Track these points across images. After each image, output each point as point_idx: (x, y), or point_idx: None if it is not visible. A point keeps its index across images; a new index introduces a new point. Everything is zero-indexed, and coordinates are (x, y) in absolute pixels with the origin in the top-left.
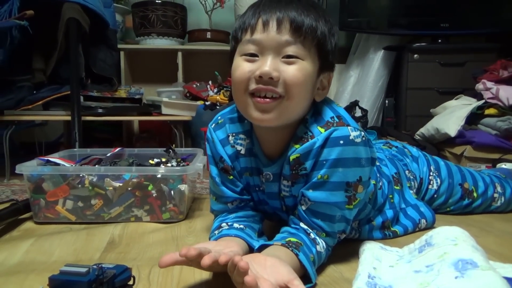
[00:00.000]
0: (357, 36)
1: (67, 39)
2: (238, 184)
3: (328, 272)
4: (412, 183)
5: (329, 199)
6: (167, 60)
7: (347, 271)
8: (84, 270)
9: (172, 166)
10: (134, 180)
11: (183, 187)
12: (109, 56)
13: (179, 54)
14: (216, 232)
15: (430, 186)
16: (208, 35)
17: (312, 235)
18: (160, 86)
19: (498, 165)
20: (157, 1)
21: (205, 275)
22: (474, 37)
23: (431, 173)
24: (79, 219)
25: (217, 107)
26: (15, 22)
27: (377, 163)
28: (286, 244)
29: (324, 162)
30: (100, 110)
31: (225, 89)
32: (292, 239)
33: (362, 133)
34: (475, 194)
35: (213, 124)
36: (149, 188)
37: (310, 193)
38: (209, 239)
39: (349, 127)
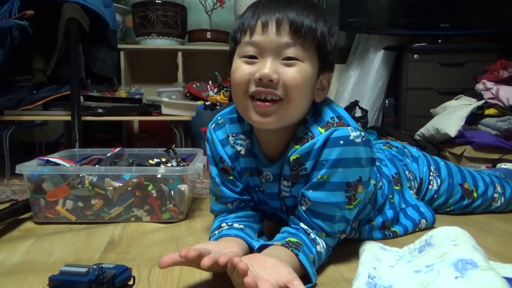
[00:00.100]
0: (357, 36)
1: (67, 39)
2: (238, 185)
3: (328, 272)
4: (412, 183)
5: (329, 199)
6: (167, 60)
7: (347, 271)
8: (84, 270)
9: (172, 166)
10: (134, 180)
11: (183, 187)
12: (109, 56)
13: (179, 54)
14: (216, 232)
15: (430, 186)
16: (208, 35)
17: (312, 235)
18: (160, 86)
19: (498, 165)
20: (157, 1)
21: (205, 275)
22: (474, 37)
23: (431, 173)
24: (79, 219)
25: (217, 107)
26: (15, 22)
27: (377, 163)
28: (286, 244)
29: (324, 162)
30: (100, 110)
31: (225, 89)
32: (292, 239)
33: (362, 133)
34: (475, 194)
35: (213, 124)
36: (149, 188)
37: (310, 193)
38: (209, 239)
39: (349, 127)
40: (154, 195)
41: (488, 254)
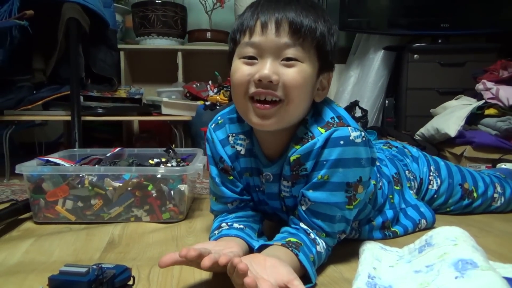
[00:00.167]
0: (357, 36)
1: (67, 39)
2: (238, 185)
3: (328, 272)
4: (412, 183)
5: (329, 199)
6: (167, 60)
7: (347, 271)
8: (83, 270)
9: (172, 166)
10: (134, 180)
11: (183, 187)
12: (109, 56)
13: (179, 54)
14: (216, 232)
15: (430, 186)
16: (208, 35)
17: (312, 235)
18: (160, 86)
19: (498, 165)
20: (157, 1)
21: (205, 275)
22: (474, 37)
23: (431, 173)
24: (79, 219)
25: (217, 107)
26: (15, 22)
27: (377, 163)
28: (286, 244)
29: (325, 162)
30: (100, 110)
31: (225, 89)
32: (292, 239)
33: (363, 133)
34: (475, 194)
35: (213, 124)
36: (149, 188)
37: (310, 193)
38: (209, 239)
39: (349, 128)
40: (154, 195)
41: (488, 254)
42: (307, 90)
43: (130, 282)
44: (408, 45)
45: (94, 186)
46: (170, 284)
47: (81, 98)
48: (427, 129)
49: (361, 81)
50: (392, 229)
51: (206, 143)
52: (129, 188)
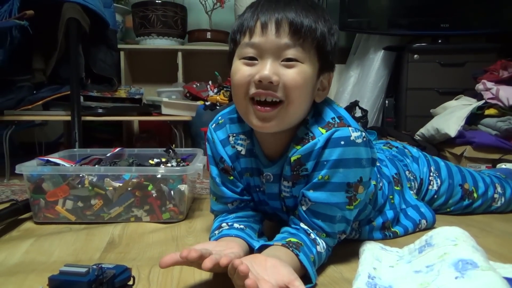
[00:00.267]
0: (357, 36)
1: (67, 39)
2: (239, 185)
3: (328, 272)
4: (413, 183)
5: (329, 199)
6: (167, 60)
7: (347, 271)
8: (83, 270)
9: (172, 166)
10: (134, 180)
11: (183, 187)
12: (109, 56)
13: (179, 54)
14: (216, 232)
15: (430, 187)
16: (208, 35)
17: (313, 236)
18: (160, 86)
19: (498, 165)
20: (157, 1)
21: (205, 275)
22: (474, 37)
23: (431, 174)
24: (79, 219)
25: (217, 107)
26: (15, 22)
27: (378, 164)
28: (287, 245)
29: (325, 162)
30: (100, 110)
31: (225, 89)
32: (293, 240)
33: (363, 133)
34: (475, 195)
35: (214, 124)
36: (149, 188)
37: (311, 194)
38: (209, 239)
39: (350, 128)
40: (154, 195)
41: (488, 254)
42: (308, 90)
43: (130, 282)
44: (408, 45)
45: (94, 186)
46: (170, 284)
47: (81, 98)
48: (427, 129)
49: (361, 81)
50: (392, 229)
51: (206, 143)
52: (129, 188)
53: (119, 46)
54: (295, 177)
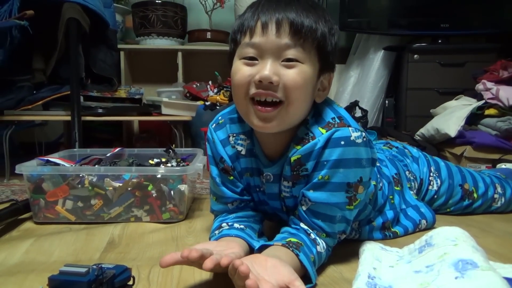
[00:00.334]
0: (357, 36)
1: (67, 39)
2: (239, 185)
3: (328, 272)
4: (413, 183)
5: (329, 199)
6: (167, 60)
7: (347, 271)
8: (83, 270)
9: (172, 166)
10: (134, 180)
11: (183, 187)
12: (109, 56)
13: (179, 54)
14: (217, 232)
15: (430, 187)
16: (208, 35)
17: (313, 236)
18: (160, 86)
19: (498, 166)
20: (157, 1)
21: (205, 275)
22: (474, 37)
23: (431, 174)
24: (79, 219)
25: (217, 107)
26: (15, 22)
27: (378, 164)
28: (287, 245)
29: (325, 162)
30: (100, 110)
31: (225, 89)
32: (293, 240)
33: (363, 133)
34: (475, 195)
35: (214, 124)
36: (149, 188)
37: (311, 194)
38: (209, 239)
39: (350, 128)
40: (154, 195)
41: (488, 254)
42: (308, 91)
43: (130, 282)
44: (408, 45)
45: (94, 186)
46: (170, 284)
47: (81, 98)
48: (427, 129)
49: (361, 81)
50: (392, 229)
51: (206, 143)
52: (129, 188)
53: (119, 46)
54: (295, 177)
